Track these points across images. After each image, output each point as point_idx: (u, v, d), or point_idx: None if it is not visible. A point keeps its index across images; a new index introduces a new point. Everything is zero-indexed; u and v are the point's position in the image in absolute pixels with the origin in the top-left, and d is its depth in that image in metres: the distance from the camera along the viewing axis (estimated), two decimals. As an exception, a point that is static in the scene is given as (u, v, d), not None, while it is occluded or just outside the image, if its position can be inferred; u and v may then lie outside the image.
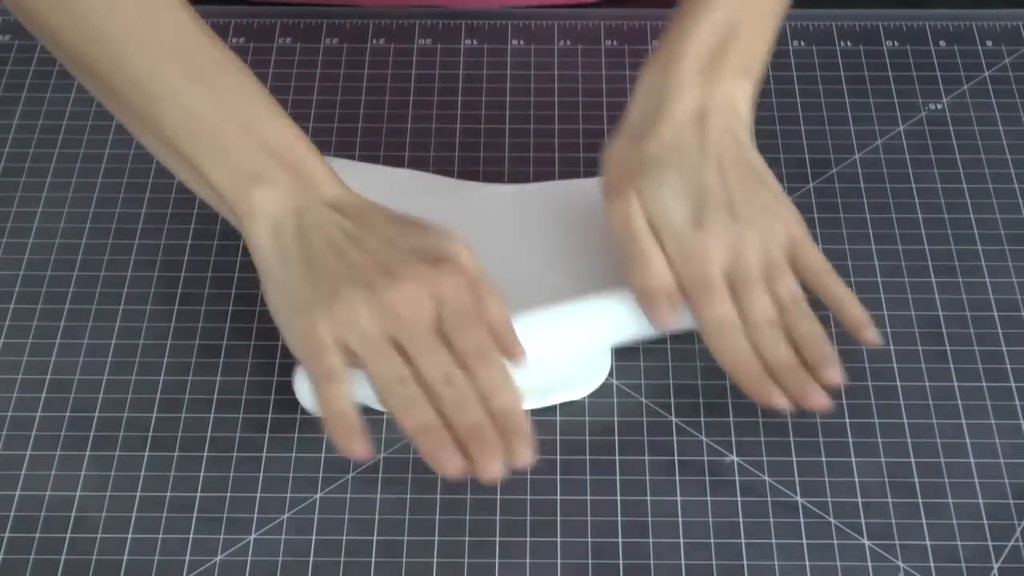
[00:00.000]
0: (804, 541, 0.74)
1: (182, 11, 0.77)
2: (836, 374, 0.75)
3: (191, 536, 0.75)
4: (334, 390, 0.73)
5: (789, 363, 0.76)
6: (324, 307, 0.74)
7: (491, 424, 0.72)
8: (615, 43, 1.00)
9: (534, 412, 0.79)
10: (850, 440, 0.78)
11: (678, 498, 0.76)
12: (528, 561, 0.74)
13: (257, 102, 0.78)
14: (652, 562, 0.73)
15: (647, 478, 0.77)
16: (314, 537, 0.75)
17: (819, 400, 0.75)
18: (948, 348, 0.83)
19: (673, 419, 0.80)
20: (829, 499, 0.76)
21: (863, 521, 0.75)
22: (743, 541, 0.74)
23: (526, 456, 0.71)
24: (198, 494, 0.76)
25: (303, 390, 0.78)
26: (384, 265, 0.74)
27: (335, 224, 0.76)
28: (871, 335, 0.77)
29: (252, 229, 0.77)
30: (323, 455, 0.78)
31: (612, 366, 0.81)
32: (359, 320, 0.73)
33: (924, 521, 0.75)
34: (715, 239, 0.77)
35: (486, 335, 0.74)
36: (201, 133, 0.76)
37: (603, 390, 0.81)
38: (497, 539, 0.75)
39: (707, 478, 0.77)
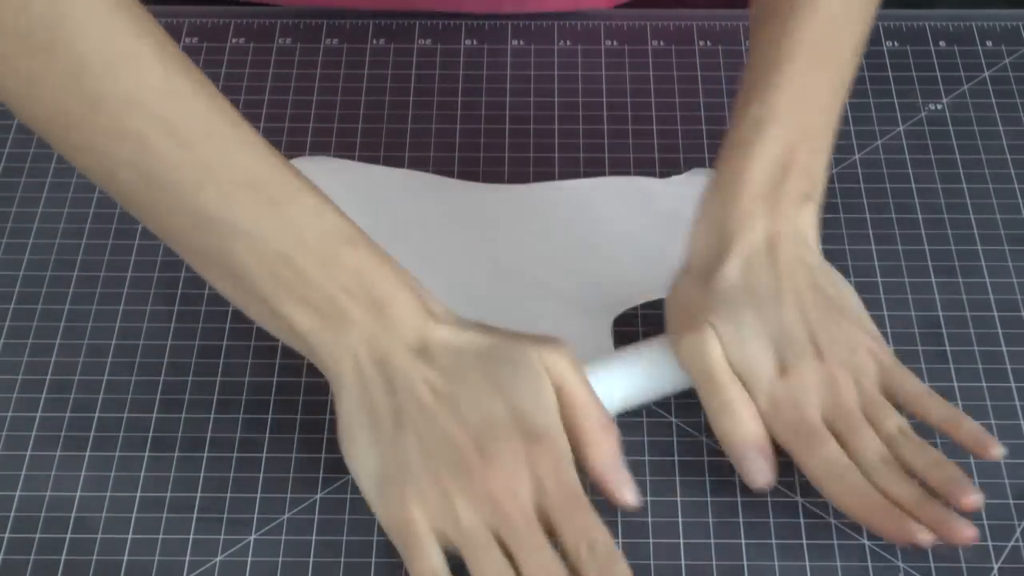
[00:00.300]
0: (804, 541, 0.74)
1: (251, 131, 0.72)
2: (975, 498, 0.71)
3: (191, 536, 0.75)
4: None
5: (919, 497, 0.72)
6: (419, 493, 0.69)
7: None
8: (615, 43, 1.00)
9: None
10: (850, 440, 0.78)
11: (678, 498, 0.76)
12: (528, 561, 0.74)
13: (331, 226, 0.72)
14: (652, 562, 0.73)
15: (647, 478, 0.77)
16: (314, 537, 0.75)
17: (966, 532, 0.71)
18: (948, 348, 0.83)
19: (673, 419, 0.79)
20: (829, 499, 0.76)
21: (863, 521, 0.75)
22: (743, 541, 0.74)
23: None
24: (198, 494, 0.76)
25: None
26: (478, 442, 0.70)
27: (423, 379, 0.71)
28: (996, 450, 0.73)
29: (340, 382, 0.72)
30: (323, 455, 0.78)
31: None
32: (456, 511, 0.69)
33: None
34: (807, 384, 0.74)
35: (591, 514, 0.70)
36: (278, 271, 0.70)
37: (603, 390, 0.80)
38: (497, 539, 0.74)
39: (707, 478, 0.77)
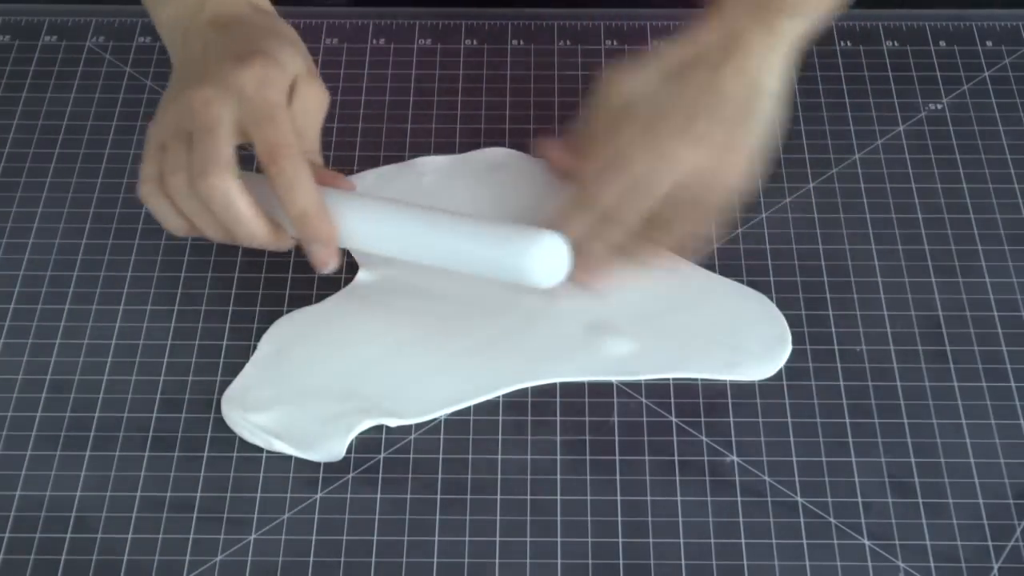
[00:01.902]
0: (804, 541, 0.74)
1: None
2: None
3: (191, 536, 0.75)
4: (147, 188, 0.76)
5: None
6: (159, 109, 0.77)
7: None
8: (615, 43, 1.00)
9: (535, 408, 0.79)
10: (850, 440, 0.78)
11: (678, 498, 0.76)
12: (528, 561, 0.74)
13: None
14: (652, 562, 0.73)
15: (647, 478, 0.77)
16: (314, 537, 0.75)
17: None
18: (948, 348, 0.83)
19: (673, 419, 0.79)
20: (829, 499, 0.76)
21: (863, 521, 0.75)
22: (743, 541, 0.74)
23: (328, 262, 0.75)
24: (198, 494, 0.76)
25: (231, 415, 0.79)
26: (203, 73, 0.75)
27: (203, 38, 0.78)
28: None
29: (165, 39, 0.81)
30: (323, 455, 0.78)
31: None
32: (167, 120, 0.75)
33: (924, 521, 0.75)
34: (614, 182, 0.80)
35: (283, 132, 0.74)
36: None
37: (603, 390, 0.81)
38: (497, 539, 0.75)
39: (707, 478, 0.77)
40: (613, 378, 0.80)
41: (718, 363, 0.81)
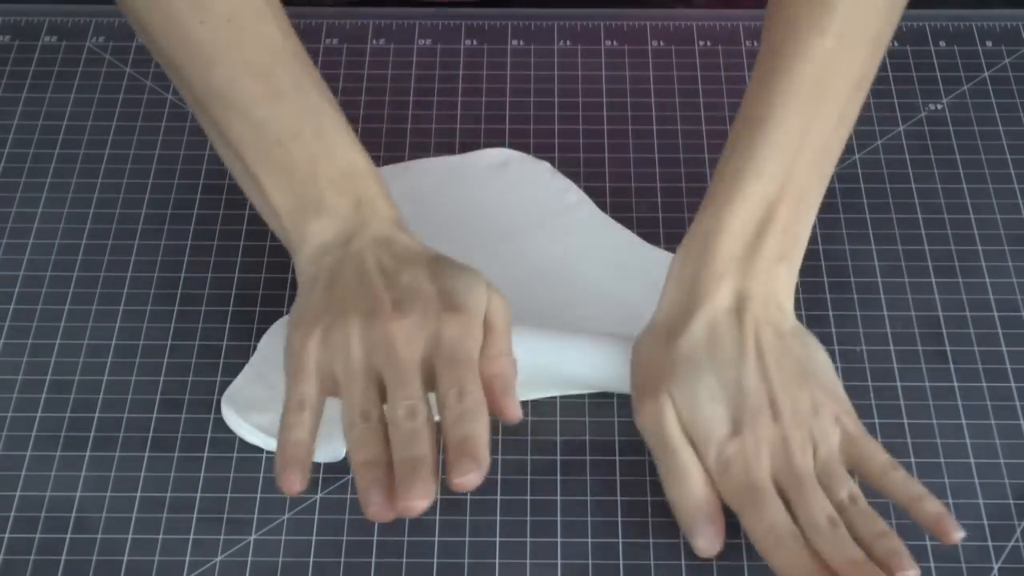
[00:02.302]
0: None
1: (273, 24, 0.76)
2: (912, 573, 0.69)
3: (191, 537, 0.75)
4: (299, 418, 0.71)
5: (859, 559, 0.69)
6: (322, 328, 0.72)
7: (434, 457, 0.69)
8: (615, 43, 1.01)
9: (535, 409, 0.79)
10: (850, 440, 0.78)
11: (678, 498, 0.76)
12: (528, 562, 0.74)
13: (331, 128, 0.77)
14: (652, 562, 0.73)
15: (647, 478, 0.77)
16: (314, 538, 0.75)
17: None
18: (948, 348, 0.83)
19: (673, 419, 0.79)
20: (829, 499, 0.76)
21: (863, 521, 0.75)
22: (743, 541, 0.74)
23: (468, 480, 0.68)
24: (198, 494, 0.76)
25: (230, 416, 0.79)
26: (397, 300, 0.72)
27: (375, 257, 0.74)
28: (957, 534, 0.70)
29: (300, 256, 0.76)
30: (323, 455, 0.78)
31: None
32: (348, 346, 0.71)
33: (924, 521, 0.75)
34: (757, 444, 0.72)
35: (474, 376, 0.71)
36: (271, 155, 0.76)
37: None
38: (497, 539, 0.75)
39: (707, 478, 0.77)
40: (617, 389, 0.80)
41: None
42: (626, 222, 0.88)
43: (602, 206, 0.89)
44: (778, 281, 0.76)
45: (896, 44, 1.00)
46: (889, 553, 0.69)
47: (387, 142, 0.94)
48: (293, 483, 0.69)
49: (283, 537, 0.75)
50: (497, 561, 0.74)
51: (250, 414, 0.78)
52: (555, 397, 0.80)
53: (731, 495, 0.72)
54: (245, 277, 0.86)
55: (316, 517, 0.75)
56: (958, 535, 0.70)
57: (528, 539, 0.75)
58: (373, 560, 0.74)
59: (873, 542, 0.70)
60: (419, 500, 0.67)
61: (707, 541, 0.72)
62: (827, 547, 0.69)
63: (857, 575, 0.68)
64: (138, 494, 0.76)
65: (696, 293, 0.75)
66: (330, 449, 0.77)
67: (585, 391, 0.80)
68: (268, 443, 0.77)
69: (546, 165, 0.92)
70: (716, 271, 0.75)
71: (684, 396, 0.73)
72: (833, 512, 0.71)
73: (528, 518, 0.75)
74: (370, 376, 0.71)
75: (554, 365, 0.78)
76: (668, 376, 0.74)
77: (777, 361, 0.74)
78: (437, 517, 0.75)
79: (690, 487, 0.72)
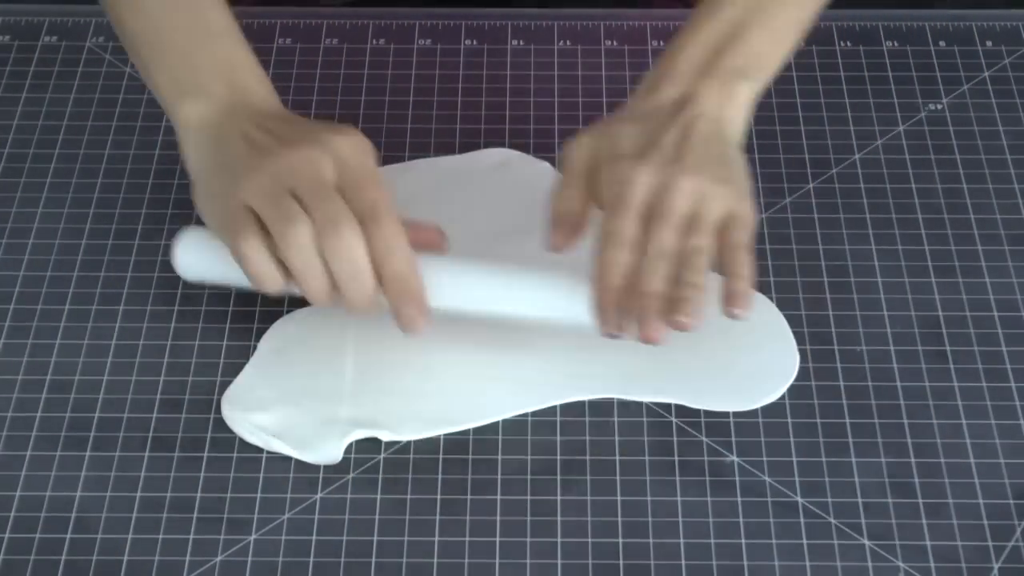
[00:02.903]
0: (804, 541, 0.74)
1: None
2: (687, 320, 0.72)
3: (191, 536, 0.75)
4: (250, 244, 0.74)
5: (654, 292, 0.73)
6: (233, 183, 0.75)
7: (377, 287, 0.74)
8: (615, 43, 1.00)
9: (536, 411, 0.79)
10: (850, 440, 0.78)
11: (678, 498, 0.76)
12: (528, 561, 0.74)
13: (219, 26, 0.81)
14: (652, 562, 0.73)
15: (647, 478, 0.77)
16: (314, 538, 0.75)
17: (653, 332, 0.73)
18: (948, 348, 0.83)
19: (673, 419, 0.79)
20: (829, 499, 0.76)
21: (863, 521, 0.75)
22: (743, 541, 0.74)
23: (419, 324, 0.74)
24: (198, 494, 0.76)
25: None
26: (284, 139, 0.76)
27: (253, 123, 0.78)
28: (740, 309, 0.73)
29: (182, 139, 0.79)
30: (323, 455, 0.78)
31: None
32: (261, 182, 0.74)
33: (924, 521, 0.75)
34: (646, 169, 0.75)
35: (384, 196, 0.74)
36: (156, 42, 0.81)
37: (603, 390, 0.81)
38: (497, 539, 0.75)
39: (707, 478, 0.77)
40: (615, 396, 0.80)
41: (717, 390, 0.80)
42: (626, 222, 0.88)
43: (602, 206, 0.89)
44: (734, 96, 0.79)
45: (896, 44, 1.00)
46: (680, 300, 0.72)
47: (387, 142, 0.94)
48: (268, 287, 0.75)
49: (283, 537, 0.75)
50: (497, 561, 0.74)
51: (250, 414, 0.78)
52: (556, 407, 0.80)
53: (606, 199, 0.76)
54: (245, 277, 0.86)
55: (316, 517, 0.75)
56: (739, 311, 0.73)
57: (528, 539, 0.75)
58: (373, 560, 0.74)
59: (681, 286, 0.73)
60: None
61: (555, 237, 0.77)
62: (644, 269, 0.73)
63: (640, 304, 0.73)
64: (138, 494, 0.76)
65: (652, 87, 0.80)
66: (326, 452, 0.77)
67: (538, 313, 0.78)
68: (268, 443, 0.77)
69: (546, 165, 0.92)
70: (672, 71, 0.80)
71: (605, 133, 0.78)
72: (670, 246, 0.74)
73: (528, 518, 0.75)
74: (287, 194, 0.74)
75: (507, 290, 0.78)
76: (599, 126, 0.79)
77: (702, 142, 0.77)
78: (437, 517, 0.75)
79: (561, 194, 0.78)
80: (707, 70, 0.79)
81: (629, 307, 0.73)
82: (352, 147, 0.76)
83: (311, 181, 0.74)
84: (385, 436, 0.78)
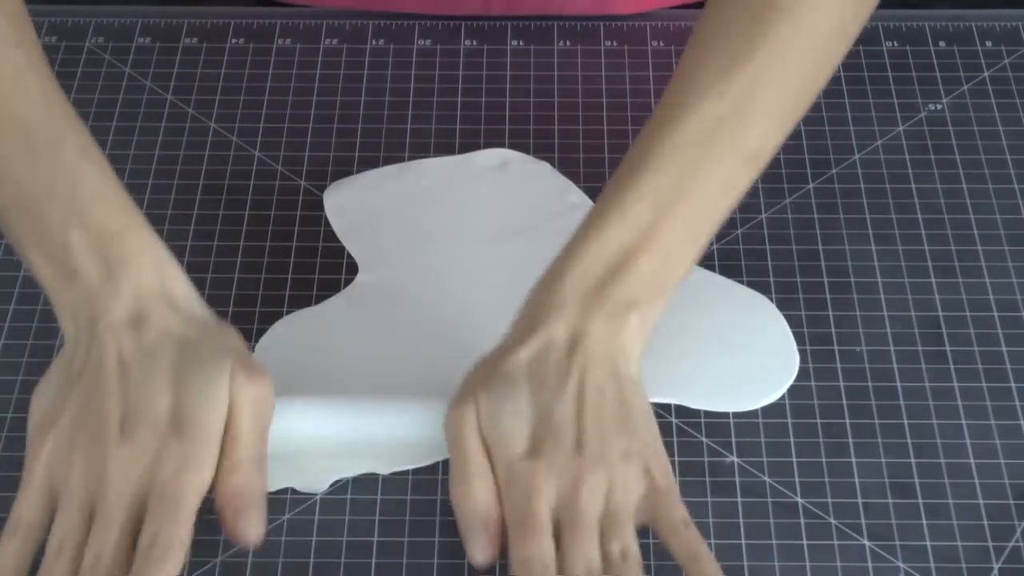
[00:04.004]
0: (804, 542, 0.74)
1: (32, 77, 0.74)
2: None
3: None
4: (9, 545, 0.69)
5: None
6: (54, 440, 0.71)
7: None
8: (614, 44, 1.00)
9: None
10: (850, 440, 0.78)
11: (678, 498, 0.76)
12: (528, 562, 0.74)
13: (87, 188, 0.74)
14: (652, 563, 0.73)
15: (647, 478, 0.77)
16: (314, 538, 0.75)
17: None
18: (948, 348, 0.83)
19: (673, 419, 0.79)
20: (829, 499, 0.76)
21: (863, 521, 0.75)
22: (743, 542, 0.74)
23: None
24: (198, 495, 0.76)
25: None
26: (126, 420, 0.71)
27: (117, 347, 0.72)
28: None
29: (64, 330, 0.74)
30: (323, 456, 0.78)
31: None
32: (69, 470, 0.70)
33: (924, 521, 0.75)
34: (547, 473, 0.70)
35: (174, 516, 0.69)
36: (30, 219, 0.73)
37: (603, 390, 0.80)
38: (497, 540, 0.75)
39: (707, 479, 0.77)
40: None
41: (717, 391, 0.80)
42: (626, 222, 0.88)
43: (602, 206, 0.89)
44: (624, 327, 0.73)
45: (896, 44, 1.00)
46: None
47: (387, 142, 0.94)
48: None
49: (283, 537, 0.75)
50: (498, 561, 0.73)
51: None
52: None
53: (508, 514, 0.70)
54: (245, 277, 0.86)
55: (316, 517, 0.75)
56: None
57: (528, 539, 0.75)
58: (373, 560, 0.74)
59: None
60: None
61: (480, 551, 0.70)
62: None
63: None
64: (138, 494, 0.76)
65: (536, 322, 0.73)
66: (309, 480, 0.76)
67: (410, 466, 0.76)
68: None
69: (546, 165, 0.92)
70: (557, 304, 0.73)
71: (490, 407, 0.72)
72: (595, 563, 0.68)
73: (528, 518, 0.75)
74: (84, 505, 0.70)
75: (368, 432, 0.76)
76: (481, 387, 0.72)
77: (598, 400, 0.72)
78: (437, 518, 0.75)
79: (472, 493, 0.71)
80: (593, 306, 0.73)
81: None
82: (182, 462, 0.70)
83: (109, 500, 0.69)
84: (383, 470, 0.77)
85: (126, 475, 0.70)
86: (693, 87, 0.74)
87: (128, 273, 0.73)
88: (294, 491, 0.76)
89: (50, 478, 0.71)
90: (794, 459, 0.78)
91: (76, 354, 0.73)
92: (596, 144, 0.94)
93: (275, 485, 0.75)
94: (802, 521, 0.75)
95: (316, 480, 0.76)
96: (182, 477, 0.70)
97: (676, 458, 0.78)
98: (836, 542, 0.74)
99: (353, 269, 0.86)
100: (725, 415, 0.79)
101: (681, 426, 0.79)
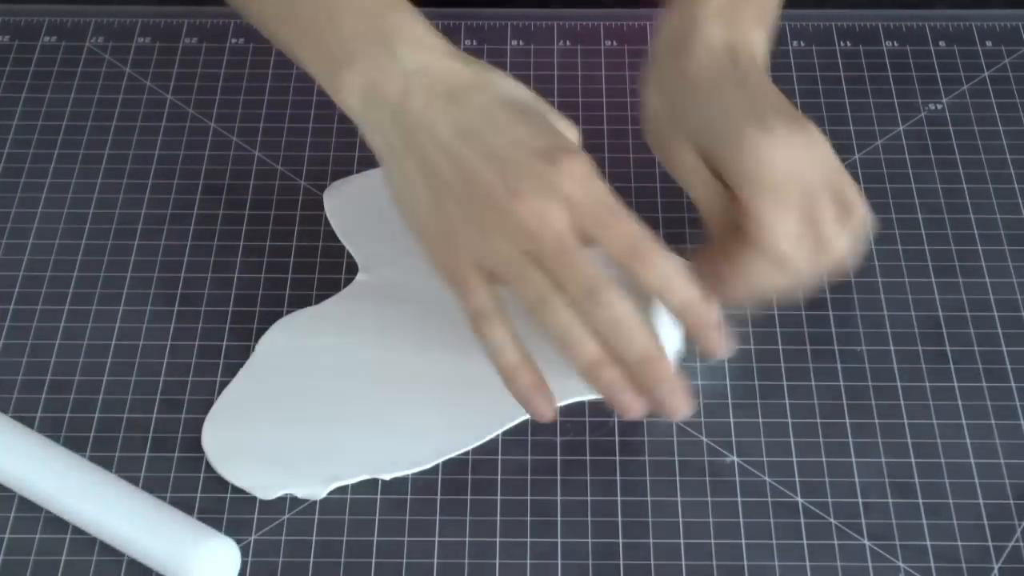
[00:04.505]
0: (804, 541, 0.74)
1: None
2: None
3: (191, 536, 0.75)
4: (496, 335, 0.71)
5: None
6: (459, 239, 0.71)
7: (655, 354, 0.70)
8: (615, 43, 1.00)
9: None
10: (850, 440, 0.78)
11: (678, 498, 0.76)
12: (528, 562, 0.74)
13: None
14: (652, 563, 0.73)
15: (647, 478, 0.77)
16: (314, 538, 0.75)
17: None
18: (948, 348, 0.83)
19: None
20: (829, 499, 0.76)
21: (863, 521, 0.75)
22: (743, 542, 0.74)
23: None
24: (198, 495, 0.76)
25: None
26: (504, 178, 0.70)
27: (443, 120, 0.72)
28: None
29: (358, 122, 0.74)
30: (323, 455, 0.78)
31: None
32: (495, 246, 0.70)
33: (924, 521, 0.75)
34: (783, 146, 0.72)
35: (628, 224, 0.69)
36: (291, 17, 0.74)
37: (603, 390, 0.80)
38: (497, 539, 0.75)
39: (707, 478, 0.77)
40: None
41: None
42: (626, 222, 0.88)
43: (602, 206, 0.89)
44: (759, 40, 0.77)
45: (896, 44, 1.00)
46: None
47: (387, 142, 0.93)
48: (544, 412, 0.72)
49: (283, 537, 0.75)
50: (497, 561, 0.74)
51: (228, 458, 0.77)
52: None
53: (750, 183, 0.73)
54: (245, 277, 0.86)
55: (316, 517, 0.75)
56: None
57: (528, 539, 0.75)
58: (373, 560, 0.74)
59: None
60: (685, 406, 0.71)
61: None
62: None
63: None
64: (138, 494, 0.76)
65: (691, 34, 0.76)
66: (310, 487, 0.76)
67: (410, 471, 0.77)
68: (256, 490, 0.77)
69: None
70: (707, 19, 0.76)
71: (680, 106, 0.76)
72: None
73: (528, 518, 0.75)
74: (528, 262, 0.70)
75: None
76: (683, 99, 0.76)
77: (776, 98, 0.75)
78: (437, 517, 0.75)
79: (702, 181, 0.74)
80: (734, 20, 0.77)
81: None
82: (580, 183, 0.69)
83: (553, 243, 0.69)
84: (385, 476, 0.77)
85: (544, 216, 0.69)
86: None
87: (405, 40, 0.74)
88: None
89: (481, 268, 0.71)
90: (794, 459, 0.78)
91: (395, 145, 0.72)
92: (596, 144, 0.93)
93: (274, 493, 0.76)
94: (802, 521, 0.75)
95: (312, 493, 0.76)
96: (594, 185, 0.70)
97: (676, 458, 0.78)
98: (836, 542, 0.74)
99: (353, 269, 0.86)
100: (725, 414, 0.79)
101: (681, 426, 0.79)
